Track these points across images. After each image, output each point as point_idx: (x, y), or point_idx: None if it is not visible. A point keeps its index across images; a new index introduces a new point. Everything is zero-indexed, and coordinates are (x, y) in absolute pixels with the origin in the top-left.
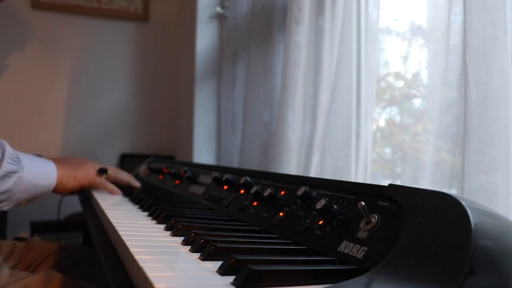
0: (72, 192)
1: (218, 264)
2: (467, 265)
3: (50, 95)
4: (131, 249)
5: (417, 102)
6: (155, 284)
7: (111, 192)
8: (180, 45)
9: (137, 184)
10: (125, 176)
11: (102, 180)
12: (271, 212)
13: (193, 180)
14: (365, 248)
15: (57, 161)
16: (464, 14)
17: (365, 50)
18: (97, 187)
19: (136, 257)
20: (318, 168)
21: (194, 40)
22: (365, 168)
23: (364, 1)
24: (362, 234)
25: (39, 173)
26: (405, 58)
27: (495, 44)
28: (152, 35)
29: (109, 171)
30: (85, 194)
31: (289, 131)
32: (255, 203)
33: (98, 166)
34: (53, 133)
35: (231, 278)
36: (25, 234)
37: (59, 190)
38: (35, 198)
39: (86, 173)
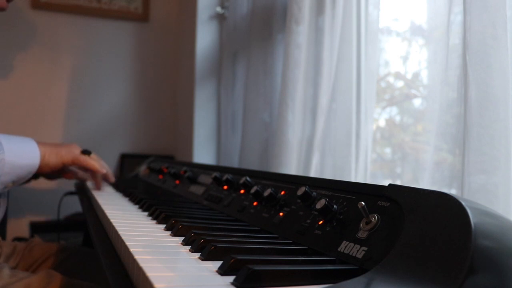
0: (54, 170)
1: (218, 264)
2: (467, 265)
3: (50, 95)
4: (131, 249)
5: (417, 102)
6: (155, 284)
7: (94, 169)
8: (180, 45)
9: (100, 183)
10: (105, 167)
11: (86, 157)
12: (271, 212)
13: (193, 180)
14: (365, 248)
15: (40, 141)
16: (464, 14)
17: (365, 50)
18: (81, 164)
19: (136, 257)
20: (318, 168)
21: (194, 40)
22: (365, 168)
23: (364, 1)
24: (362, 234)
25: (21, 152)
26: (405, 58)
27: (495, 44)
28: (152, 35)
29: (92, 155)
30: (85, 194)
31: (289, 131)
32: (255, 203)
33: (80, 148)
34: (53, 133)
35: (231, 278)
36: (25, 234)
37: (41, 168)
38: (22, 179)
39: (70, 151)
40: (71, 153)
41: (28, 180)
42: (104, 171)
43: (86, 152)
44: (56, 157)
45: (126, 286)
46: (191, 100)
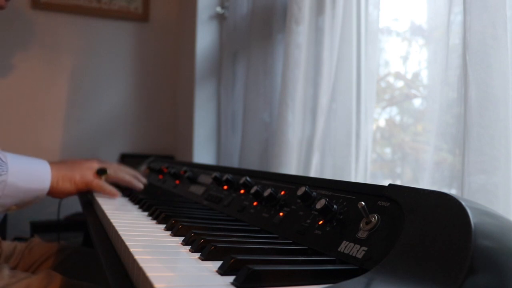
0: (68, 195)
1: (218, 264)
2: (467, 265)
3: (50, 95)
4: (131, 249)
5: (417, 102)
6: (155, 284)
7: (109, 195)
8: (180, 45)
9: (138, 185)
10: (126, 176)
11: (99, 182)
12: (271, 212)
13: (193, 180)
14: (365, 248)
15: (55, 162)
16: (464, 14)
17: (365, 50)
18: (94, 190)
19: (136, 257)
20: (318, 168)
21: (194, 40)
22: (365, 168)
23: (364, 1)
24: (362, 234)
25: (29, 176)
26: (405, 58)
27: (495, 44)
28: (152, 35)
29: (109, 171)
30: (85, 194)
31: (289, 131)
32: (255, 203)
33: (96, 166)
34: (53, 133)
35: (231, 278)
36: (25, 234)
37: (55, 194)
38: (27, 203)
39: (83, 175)
40: (85, 178)
41: None
42: (117, 195)
43: (101, 172)
44: (70, 184)
45: (126, 286)
46: (191, 100)
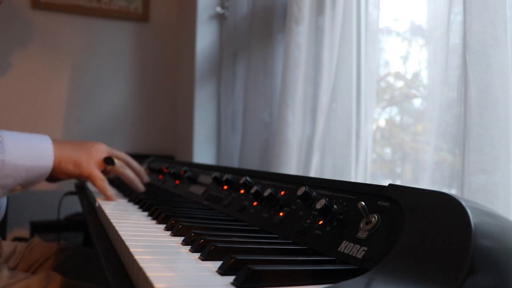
0: (70, 178)
1: (218, 264)
2: (467, 265)
3: (50, 95)
4: (131, 249)
5: (417, 102)
6: (155, 284)
7: (105, 197)
8: (180, 45)
9: (140, 187)
10: (130, 175)
11: (103, 183)
12: (271, 212)
13: (193, 180)
14: (365, 248)
15: (59, 140)
16: (464, 14)
17: (365, 50)
18: (94, 185)
19: (136, 257)
20: (318, 168)
21: (194, 40)
22: (365, 168)
23: (364, 1)
24: (362, 234)
25: (29, 153)
26: (405, 58)
27: (495, 44)
28: (152, 35)
29: (116, 164)
30: (85, 194)
31: (289, 131)
32: (255, 203)
33: (105, 152)
34: (54, 133)
35: (231, 278)
36: (25, 234)
37: (56, 173)
38: (32, 183)
39: (90, 162)
40: (90, 167)
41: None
42: (113, 200)
43: (108, 161)
44: (74, 167)
45: (126, 286)
46: (191, 100)
